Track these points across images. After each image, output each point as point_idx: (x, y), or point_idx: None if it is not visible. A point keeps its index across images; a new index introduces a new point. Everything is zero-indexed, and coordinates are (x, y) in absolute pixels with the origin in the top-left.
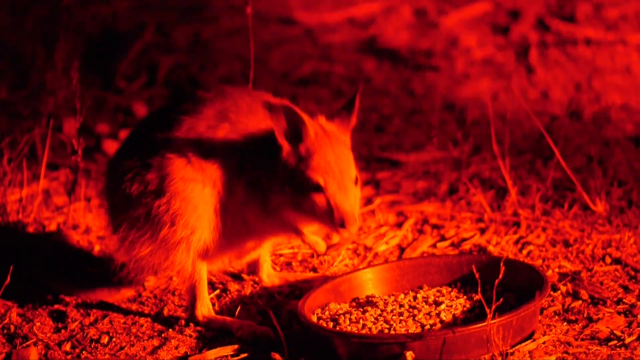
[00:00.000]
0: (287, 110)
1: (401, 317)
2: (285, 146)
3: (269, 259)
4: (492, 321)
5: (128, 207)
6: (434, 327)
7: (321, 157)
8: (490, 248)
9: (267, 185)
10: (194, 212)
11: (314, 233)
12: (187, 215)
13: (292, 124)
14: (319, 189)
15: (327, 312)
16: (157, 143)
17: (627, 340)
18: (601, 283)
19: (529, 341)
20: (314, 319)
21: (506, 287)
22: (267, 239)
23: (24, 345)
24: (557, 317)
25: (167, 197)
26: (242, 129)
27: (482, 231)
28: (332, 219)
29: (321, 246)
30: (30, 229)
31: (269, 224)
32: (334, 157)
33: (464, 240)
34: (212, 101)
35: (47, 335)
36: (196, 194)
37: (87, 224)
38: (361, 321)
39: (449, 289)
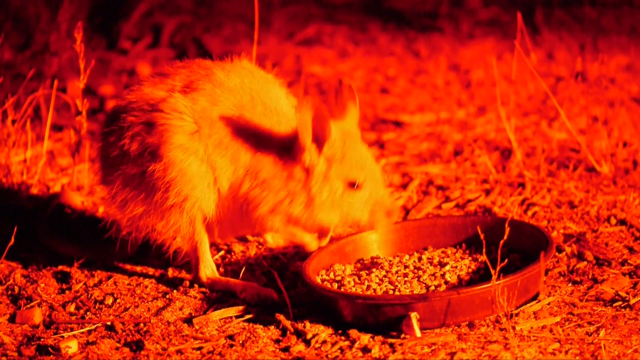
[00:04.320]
0: (316, 109)
1: (406, 279)
2: (309, 147)
3: None
4: (497, 282)
5: (125, 164)
6: (438, 288)
7: (354, 154)
8: (495, 209)
9: (275, 192)
10: (189, 183)
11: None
12: (181, 185)
13: (319, 124)
14: (355, 186)
15: (331, 274)
16: (162, 105)
17: (632, 301)
18: (606, 244)
19: (534, 302)
20: (319, 280)
21: (511, 248)
22: (260, 230)
23: (28, 306)
24: (562, 278)
25: (164, 164)
26: (254, 129)
27: (487, 192)
28: (374, 212)
29: (313, 246)
30: (35, 190)
31: (266, 222)
32: (364, 153)
33: (469, 201)
34: (231, 92)
35: (52, 296)
36: (194, 168)
37: (91, 185)
38: (366, 282)
39: (454, 250)
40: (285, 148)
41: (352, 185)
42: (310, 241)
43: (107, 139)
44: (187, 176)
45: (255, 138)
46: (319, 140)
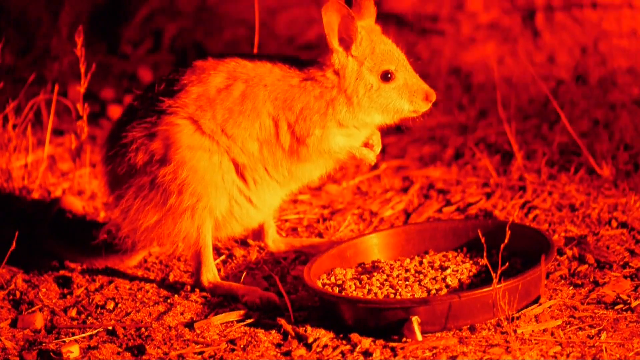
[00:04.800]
0: (341, 11)
1: (407, 282)
2: (337, 49)
3: (274, 225)
4: (498, 286)
5: (133, 177)
6: (439, 292)
7: (381, 47)
8: (496, 212)
9: (316, 110)
10: (202, 181)
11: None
12: (195, 184)
13: (344, 25)
14: (388, 77)
15: (332, 278)
16: (162, 112)
17: (634, 304)
18: (607, 247)
19: (535, 305)
20: (320, 284)
21: (512, 251)
22: (308, 178)
23: (30, 311)
24: (563, 281)
25: (174, 167)
26: (258, 82)
27: (488, 196)
28: (412, 99)
29: (372, 157)
30: (36, 195)
31: (322, 146)
32: (390, 45)
33: (469, 205)
34: (216, 69)
35: (53, 301)
36: (203, 163)
37: (92, 189)
38: (367, 286)
39: (455, 254)
40: (301, 69)
41: (386, 76)
42: (367, 153)
43: (114, 160)
44: (199, 173)
45: (264, 84)
46: (346, 42)
